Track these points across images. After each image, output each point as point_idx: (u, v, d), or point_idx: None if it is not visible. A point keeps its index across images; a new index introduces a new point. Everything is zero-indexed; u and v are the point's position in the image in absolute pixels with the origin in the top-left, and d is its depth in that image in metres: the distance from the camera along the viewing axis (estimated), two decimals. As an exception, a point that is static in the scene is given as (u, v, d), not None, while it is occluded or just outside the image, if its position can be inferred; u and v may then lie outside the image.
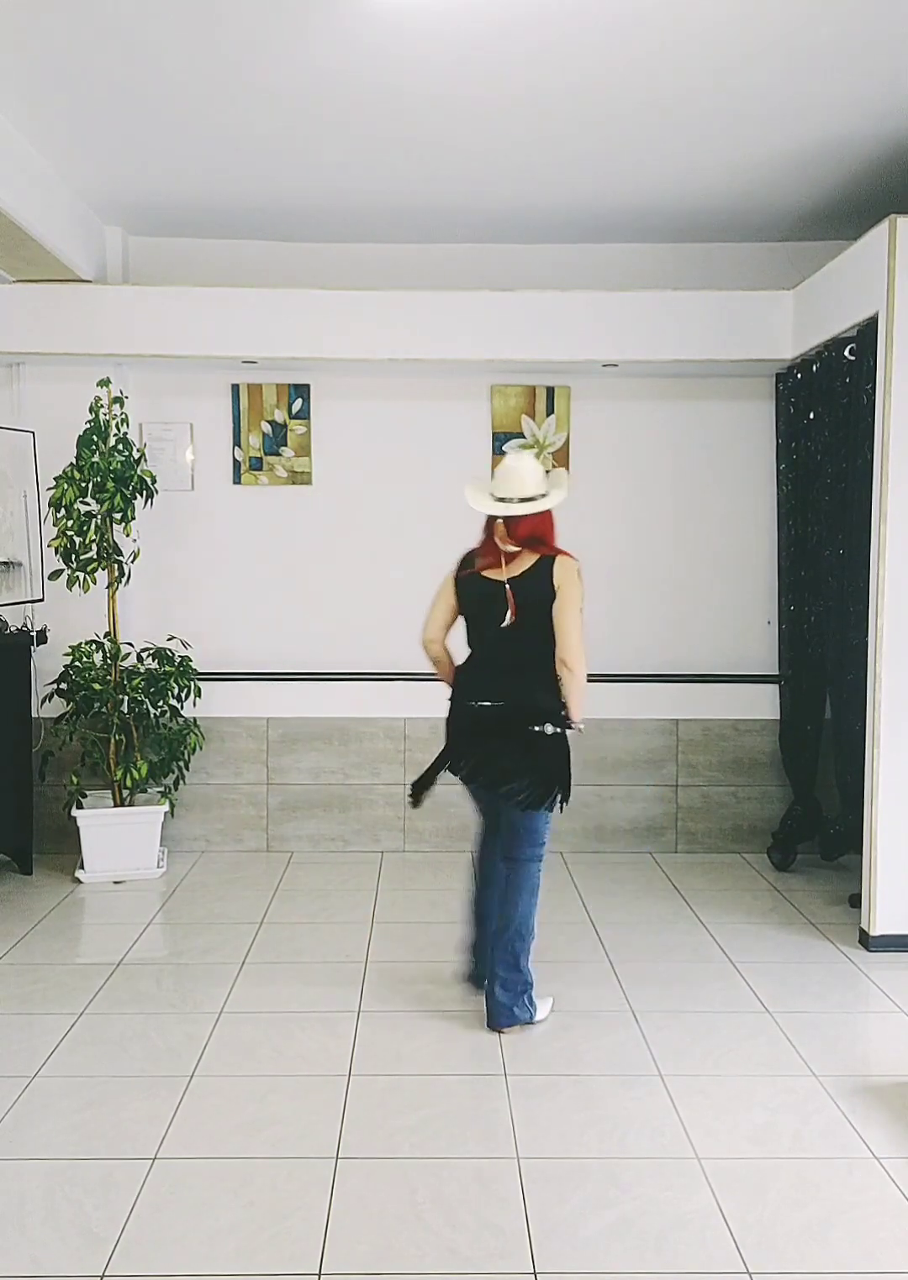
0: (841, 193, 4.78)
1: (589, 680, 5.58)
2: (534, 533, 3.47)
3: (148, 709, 5.03)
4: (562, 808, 3.48)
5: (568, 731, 3.47)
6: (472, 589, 3.53)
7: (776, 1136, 2.83)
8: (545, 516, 3.51)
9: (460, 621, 3.62)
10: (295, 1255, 2.33)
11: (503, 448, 5.48)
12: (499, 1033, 3.42)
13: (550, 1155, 2.73)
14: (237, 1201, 2.52)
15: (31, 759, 5.09)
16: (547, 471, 3.58)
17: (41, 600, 5.18)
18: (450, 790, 5.52)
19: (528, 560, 3.45)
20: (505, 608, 3.42)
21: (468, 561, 3.59)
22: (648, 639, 5.58)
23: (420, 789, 3.63)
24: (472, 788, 3.63)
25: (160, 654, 5.13)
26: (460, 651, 3.65)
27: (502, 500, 3.47)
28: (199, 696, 5.19)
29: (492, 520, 3.53)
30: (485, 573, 3.49)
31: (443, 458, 5.52)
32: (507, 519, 3.46)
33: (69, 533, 4.82)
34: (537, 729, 3.40)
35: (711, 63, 3.58)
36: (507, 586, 3.43)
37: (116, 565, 5.01)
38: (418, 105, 3.92)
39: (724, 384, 5.50)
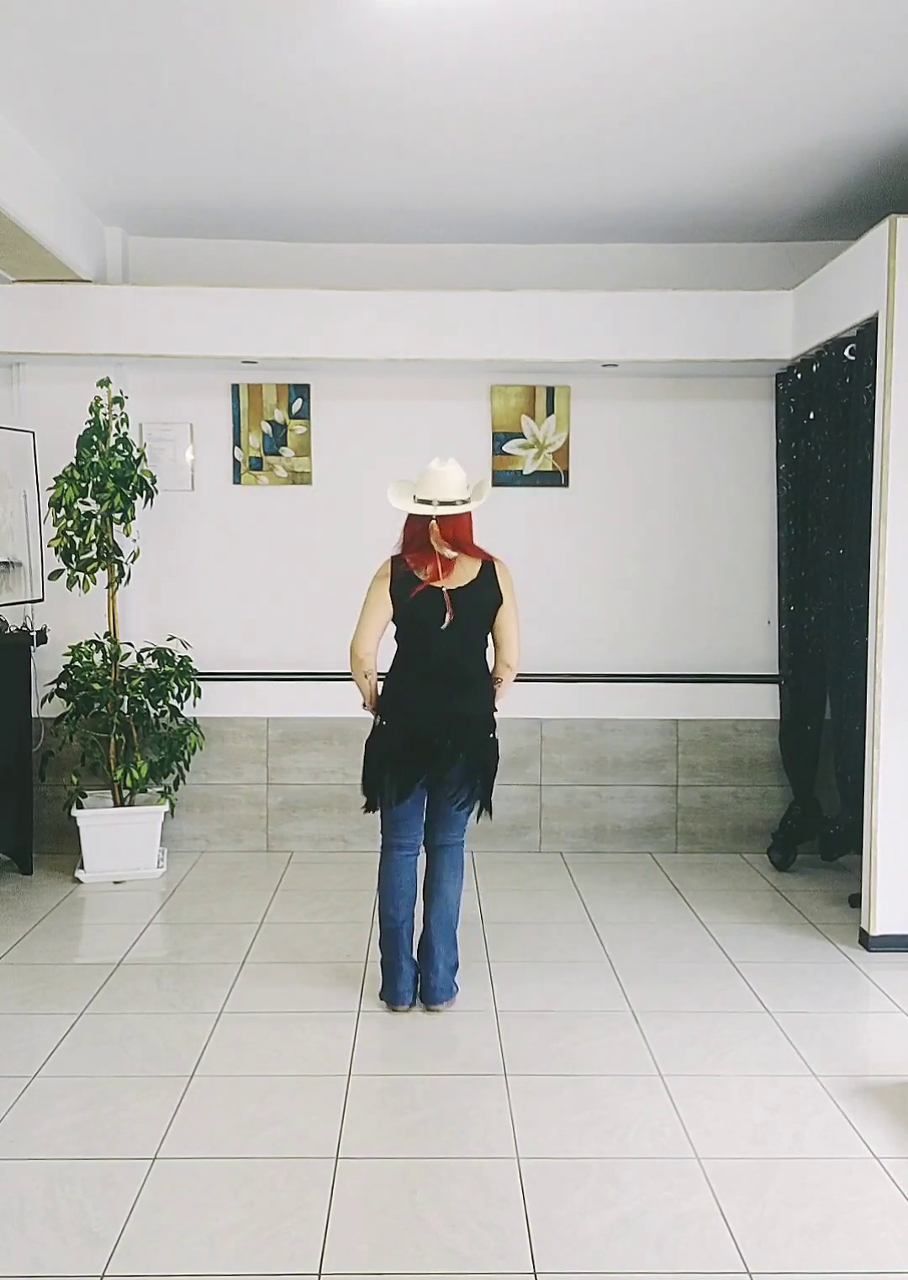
0: (841, 193, 4.78)
1: (590, 679, 5.62)
2: (459, 537, 3.54)
3: (148, 709, 5.03)
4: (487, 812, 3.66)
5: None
6: (414, 598, 3.49)
7: (776, 1136, 2.83)
8: (468, 521, 3.59)
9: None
10: (295, 1255, 2.33)
11: (503, 448, 5.49)
12: (436, 1010, 3.57)
13: (550, 1155, 2.73)
14: (237, 1201, 2.52)
15: (31, 759, 5.09)
16: (470, 484, 3.65)
17: (41, 600, 5.18)
18: (450, 790, 5.55)
19: (470, 566, 3.52)
20: (445, 615, 3.48)
21: (401, 570, 3.53)
22: (648, 639, 5.58)
23: (369, 806, 3.66)
24: (408, 794, 3.56)
25: (160, 654, 5.13)
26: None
27: (424, 502, 3.52)
28: (199, 696, 5.19)
29: (416, 526, 3.57)
30: (428, 581, 3.48)
31: (442, 456, 5.51)
32: (438, 521, 3.51)
33: (69, 533, 4.82)
34: (492, 735, 3.60)
35: (711, 64, 3.58)
36: (444, 593, 3.48)
37: (116, 565, 5.01)
38: (418, 106, 3.92)
39: (724, 384, 5.50)
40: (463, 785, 3.55)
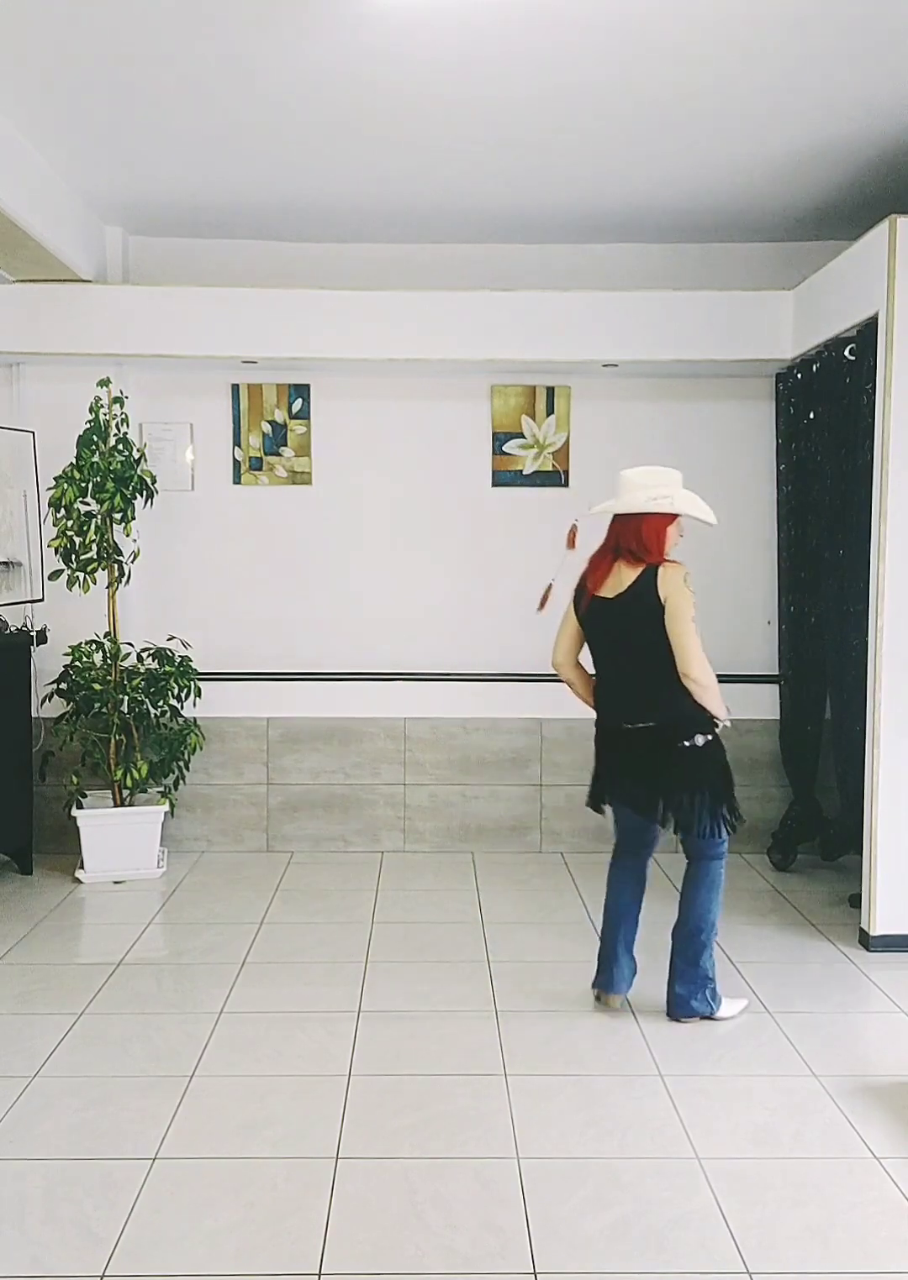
0: (841, 193, 4.78)
1: (590, 679, 5.51)
2: (638, 542, 3.40)
3: (148, 709, 5.03)
4: (728, 826, 3.51)
5: (715, 739, 3.45)
6: (587, 609, 3.49)
7: (776, 1136, 2.83)
8: (648, 527, 3.41)
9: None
10: (295, 1255, 2.33)
11: (503, 448, 5.48)
12: (679, 1021, 3.49)
13: (550, 1155, 2.73)
14: (237, 1201, 2.52)
15: (31, 759, 5.09)
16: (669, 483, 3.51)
17: (41, 600, 5.18)
18: (449, 790, 5.56)
19: (629, 573, 3.39)
20: (608, 622, 3.44)
21: (581, 581, 3.55)
22: (648, 639, 5.57)
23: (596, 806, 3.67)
24: (600, 805, 3.64)
25: (160, 654, 5.13)
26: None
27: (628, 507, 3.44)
28: (199, 696, 5.19)
29: (608, 532, 3.50)
30: (594, 591, 3.46)
31: (443, 458, 5.53)
32: (617, 524, 3.45)
33: (69, 533, 4.82)
34: (686, 744, 3.38)
35: (711, 63, 3.58)
36: (607, 603, 3.42)
37: (116, 565, 5.01)
38: (418, 106, 3.92)
39: (724, 384, 5.50)
40: (653, 803, 3.43)
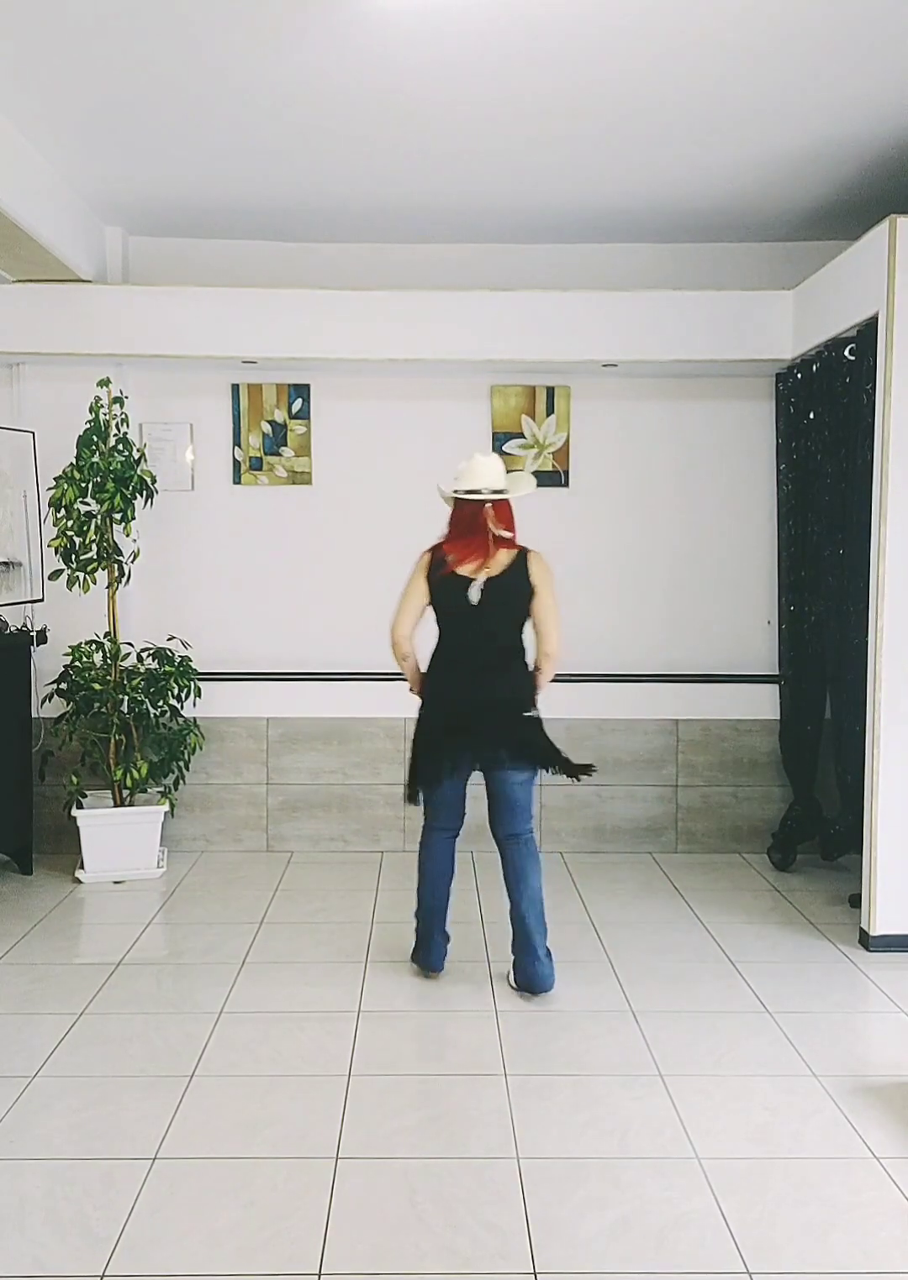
0: (841, 193, 4.78)
1: (590, 679, 5.66)
2: (508, 525, 3.67)
3: (148, 709, 5.03)
4: (584, 771, 3.74)
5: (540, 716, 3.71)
6: (447, 585, 3.63)
7: (776, 1136, 2.83)
8: (508, 510, 3.71)
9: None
10: (295, 1255, 2.33)
11: (503, 448, 5.48)
12: (538, 994, 3.64)
13: (550, 1155, 2.73)
14: (236, 1201, 2.52)
15: (31, 759, 5.09)
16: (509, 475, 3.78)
17: (41, 600, 5.18)
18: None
19: (504, 556, 3.62)
20: (481, 602, 3.59)
21: (438, 557, 3.67)
22: (648, 639, 5.58)
23: (414, 795, 3.79)
24: (440, 778, 3.72)
25: (160, 654, 5.13)
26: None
27: (473, 491, 3.64)
28: (199, 696, 5.19)
29: (463, 513, 3.66)
30: (459, 570, 3.61)
31: (443, 458, 5.49)
32: (493, 506, 3.63)
33: (69, 533, 4.82)
34: (529, 715, 3.67)
35: (711, 64, 3.58)
36: (478, 582, 3.59)
37: (116, 565, 5.01)
38: (417, 106, 3.92)
39: (724, 384, 5.50)
40: (515, 763, 3.64)
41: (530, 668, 3.74)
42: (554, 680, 5.45)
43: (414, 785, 3.76)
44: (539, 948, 3.68)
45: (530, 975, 3.67)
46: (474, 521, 3.64)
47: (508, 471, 3.77)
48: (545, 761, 3.69)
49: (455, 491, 3.68)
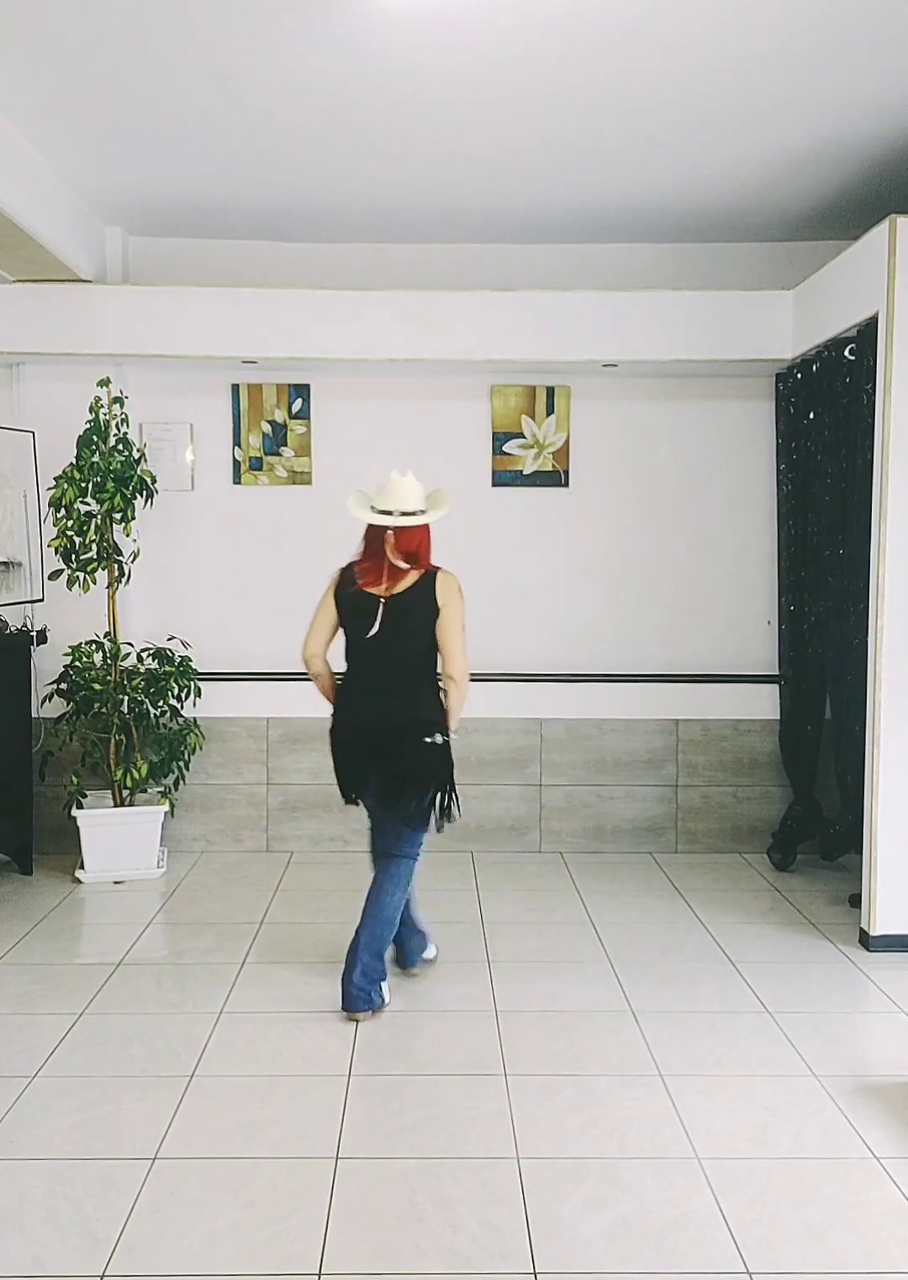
0: (841, 193, 4.78)
1: (589, 679, 5.64)
2: (416, 548, 3.57)
3: (148, 709, 5.03)
4: (447, 819, 3.58)
5: (448, 740, 3.57)
6: (353, 604, 3.57)
7: (776, 1136, 2.83)
8: (425, 533, 3.62)
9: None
10: (295, 1255, 2.33)
11: (503, 448, 5.48)
12: (355, 1020, 3.48)
13: (550, 1155, 2.73)
14: (236, 1201, 2.52)
15: (31, 759, 5.09)
16: (427, 495, 3.68)
17: (41, 600, 5.18)
18: (450, 790, 5.55)
19: (411, 576, 3.54)
20: (383, 622, 3.50)
21: (349, 577, 3.62)
22: (648, 639, 5.58)
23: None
24: (353, 796, 3.69)
25: (160, 654, 5.13)
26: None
27: (384, 513, 3.57)
28: (199, 696, 5.19)
29: (373, 534, 3.61)
30: (366, 588, 3.55)
31: (443, 458, 5.52)
32: (395, 532, 3.55)
33: (69, 533, 4.82)
34: (428, 740, 3.51)
35: (710, 64, 3.58)
36: (379, 602, 3.51)
37: (116, 565, 5.01)
38: (417, 106, 3.92)
39: (724, 384, 5.50)
40: (400, 794, 3.52)
41: (433, 690, 3.59)
42: (554, 680, 5.52)
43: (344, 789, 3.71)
44: (357, 967, 3.49)
45: (344, 989, 3.51)
46: (378, 545, 3.58)
47: (429, 492, 3.69)
48: (431, 790, 3.52)
49: (376, 510, 3.59)
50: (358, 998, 3.50)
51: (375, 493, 3.64)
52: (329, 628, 3.65)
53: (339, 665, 3.71)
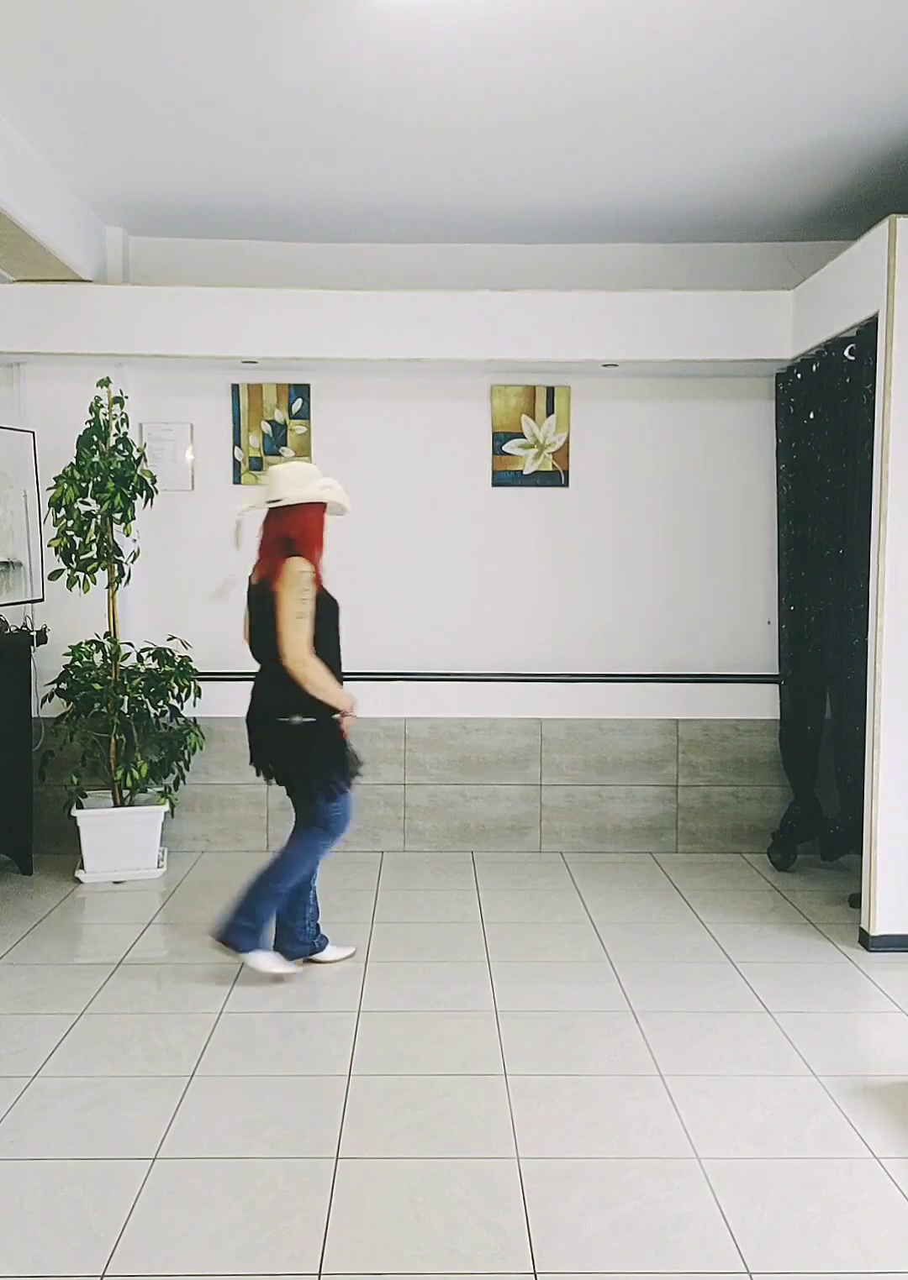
0: (841, 193, 4.78)
1: (591, 679, 5.62)
2: (284, 534, 3.69)
3: (148, 709, 5.03)
4: (337, 792, 3.77)
5: (318, 721, 3.70)
6: (248, 594, 3.84)
7: (776, 1136, 2.83)
8: (297, 520, 3.69)
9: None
10: (295, 1255, 2.33)
11: (503, 448, 5.49)
12: (222, 946, 3.77)
13: (550, 1155, 2.73)
14: (237, 1201, 2.52)
15: (31, 759, 5.09)
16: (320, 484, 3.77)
17: (41, 600, 5.18)
18: (449, 790, 5.55)
19: (273, 565, 3.69)
20: (248, 610, 3.80)
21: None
22: (648, 639, 5.58)
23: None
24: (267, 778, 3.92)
25: (160, 654, 5.13)
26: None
27: (270, 501, 3.75)
28: (199, 696, 5.19)
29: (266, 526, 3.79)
30: (253, 577, 3.80)
31: (443, 458, 5.53)
32: (265, 519, 3.76)
33: (69, 533, 4.82)
34: (284, 720, 3.69)
35: (710, 63, 3.58)
36: (249, 589, 3.79)
37: (116, 565, 5.01)
38: (417, 107, 3.92)
39: (724, 384, 5.50)
40: (271, 773, 3.84)
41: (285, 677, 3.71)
42: (554, 680, 5.52)
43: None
44: (252, 907, 3.75)
45: (227, 920, 3.76)
46: (263, 532, 3.79)
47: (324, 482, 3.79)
48: (295, 770, 3.76)
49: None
50: (226, 928, 3.75)
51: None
52: (247, 620, 3.90)
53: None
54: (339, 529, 5.52)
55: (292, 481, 3.68)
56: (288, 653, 3.59)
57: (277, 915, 3.89)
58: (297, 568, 3.61)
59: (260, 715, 3.79)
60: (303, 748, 3.70)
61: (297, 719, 3.67)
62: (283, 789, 3.93)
